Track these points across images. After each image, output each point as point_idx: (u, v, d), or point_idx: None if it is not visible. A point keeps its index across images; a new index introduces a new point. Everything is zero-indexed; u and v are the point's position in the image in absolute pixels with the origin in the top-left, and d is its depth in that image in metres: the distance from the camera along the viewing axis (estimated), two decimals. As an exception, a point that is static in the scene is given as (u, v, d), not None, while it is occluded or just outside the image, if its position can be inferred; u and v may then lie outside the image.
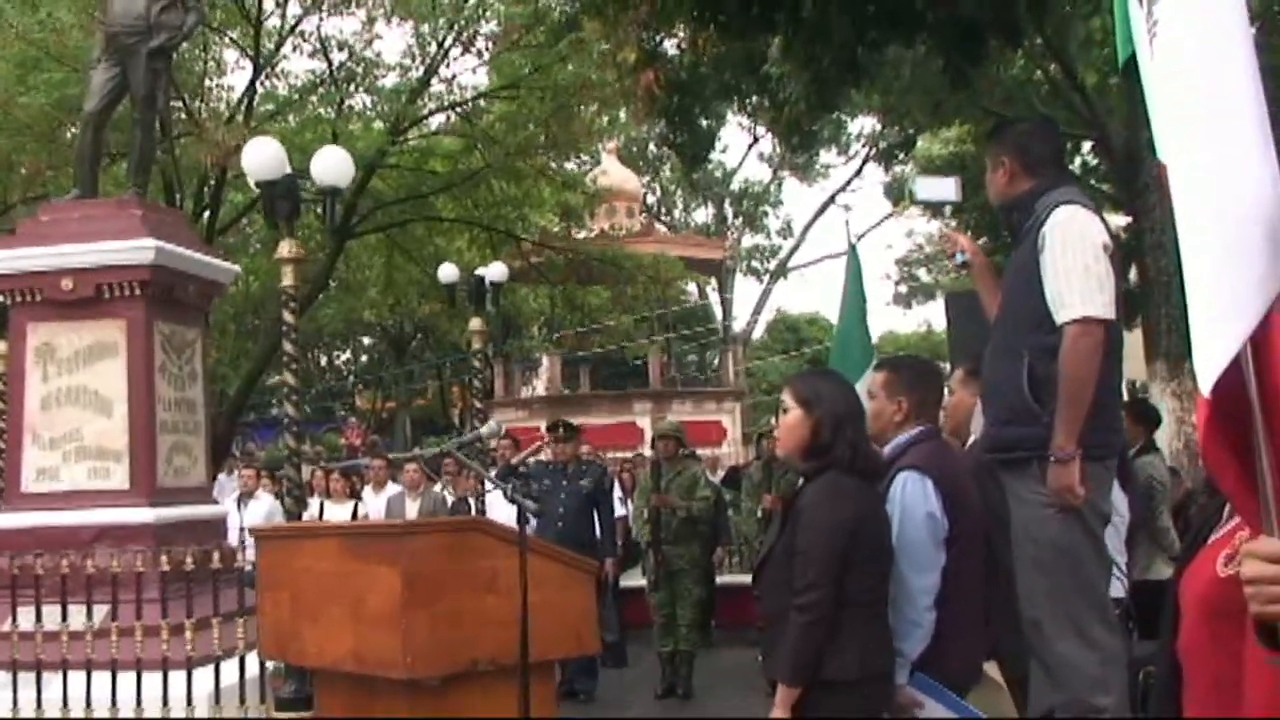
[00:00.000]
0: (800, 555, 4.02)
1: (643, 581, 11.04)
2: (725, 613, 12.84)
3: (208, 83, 18.99)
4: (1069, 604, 4.18)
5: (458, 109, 19.35)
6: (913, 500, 4.25)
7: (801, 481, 4.32)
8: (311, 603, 4.49)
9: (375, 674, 4.16)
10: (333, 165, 7.81)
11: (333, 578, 4.37)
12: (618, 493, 12.66)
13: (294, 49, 18.83)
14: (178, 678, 7.33)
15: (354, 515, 11.80)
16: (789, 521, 4.18)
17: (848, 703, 3.99)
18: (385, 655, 4.09)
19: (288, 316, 7.80)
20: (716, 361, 37.69)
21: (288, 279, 7.74)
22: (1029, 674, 4.41)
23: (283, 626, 4.71)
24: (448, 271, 12.54)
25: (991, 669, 4.89)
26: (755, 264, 47.70)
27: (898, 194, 36.74)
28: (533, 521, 9.14)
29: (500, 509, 9.63)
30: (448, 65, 18.93)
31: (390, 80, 18.85)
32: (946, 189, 5.12)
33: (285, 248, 7.69)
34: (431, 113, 19.31)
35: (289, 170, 7.60)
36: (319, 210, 8.69)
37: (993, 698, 4.79)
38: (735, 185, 47.10)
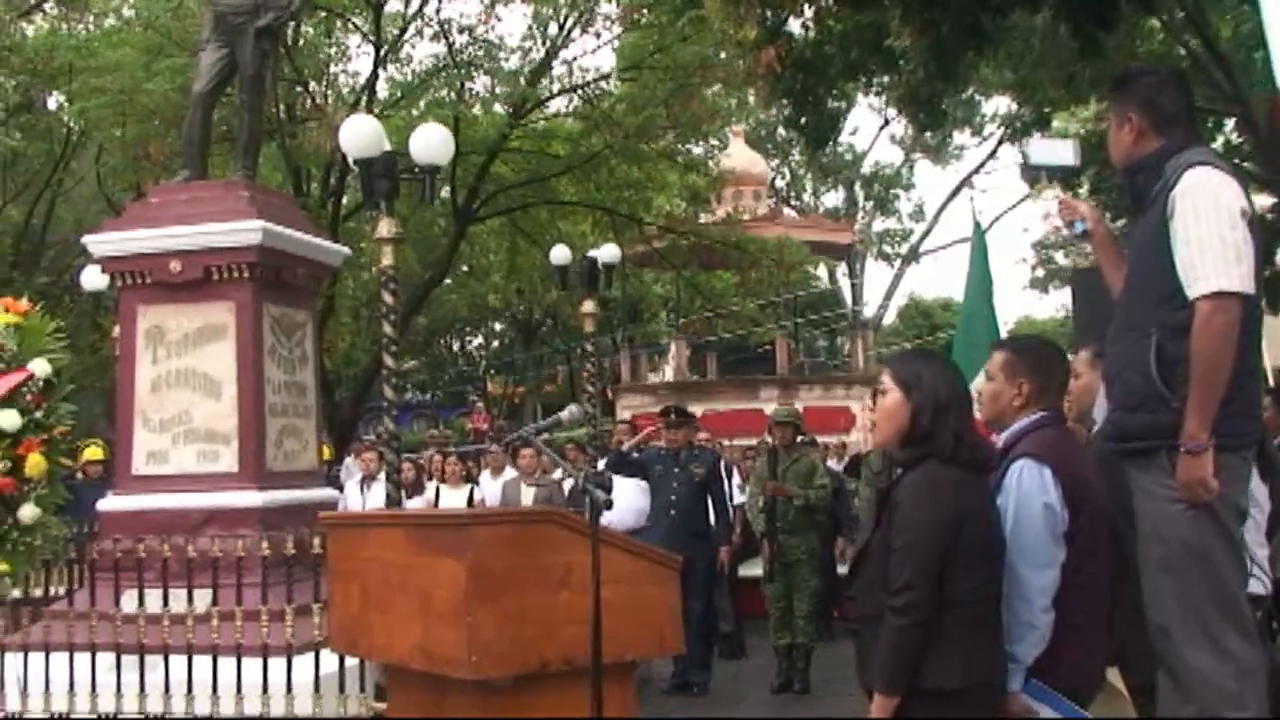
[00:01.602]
0: (896, 553, 3.70)
1: (760, 571, 10.74)
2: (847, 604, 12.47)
3: (331, 69, 19.11)
4: (1200, 610, 3.79)
5: (579, 91, 19.18)
6: (1029, 491, 3.89)
7: (899, 471, 3.98)
8: (380, 595, 4.28)
9: (443, 672, 3.94)
10: (432, 143, 7.64)
11: (400, 569, 4.15)
12: (737, 479, 12.37)
13: (416, 33, 18.87)
14: (278, 664, 7.25)
15: (470, 500, 11.70)
16: (885, 515, 3.85)
17: (952, 712, 3.66)
18: (452, 653, 3.86)
19: (387, 297, 7.65)
20: (846, 347, 37.08)
21: (386, 259, 7.58)
22: (1157, 682, 4.01)
23: (352, 619, 4.51)
24: (560, 253, 12.34)
25: (1115, 675, 4.50)
26: (886, 248, 46.99)
27: (1034, 175, 35.75)
28: (639, 514, 8.94)
29: (622, 498, 9.41)
30: (568, 46, 18.80)
31: (511, 63, 18.77)
32: (1064, 152, 4.69)
33: (384, 227, 7.54)
34: (553, 95, 19.19)
35: (387, 148, 7.43)
36: (424, 196, 8.56)
37: (1115, 706, 4.41)
38: (866, 168, 46.37)
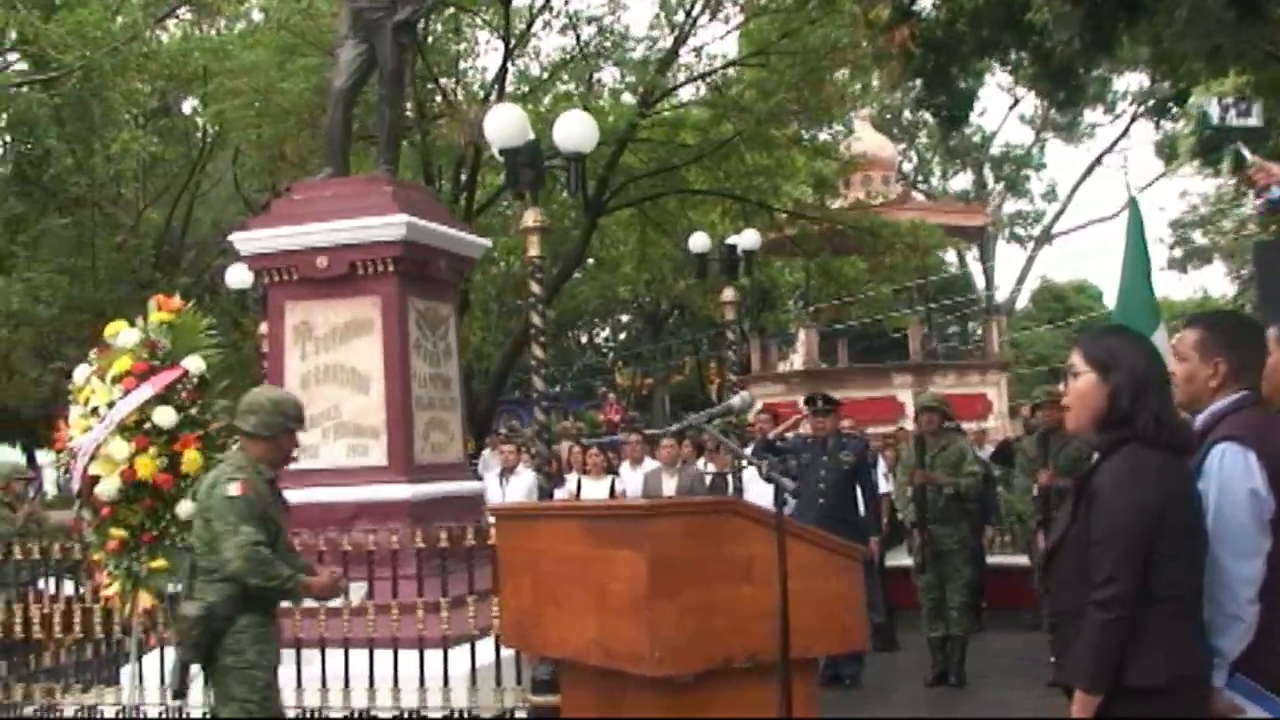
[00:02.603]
0: (1097, 544, 3.48)
1: (908, 561, 10.51)
2: (995, 595, 12.23)
3: (461, 64, 19.22)
4: None
5: (707, 79, 19.04)
6: (1232, 476, 3.64)
7: (1096, 457, 3.76)
8: (553, 588, 4.19)
9: (622, 669, 3.83)
10: (576, 131, 7.55)
11: (574, 562, 4.05)
12: (881, 468, 12.16)
13: (544, 26, 18.90)
14: (434, 657, 7.25)
15: (611, 491, 11.64)
16: (1081, 504, 3.64)
17: (1155, 711, 3.45)
18: (632, 648, 3.75)
19: (534, 287, 7.59)
20: (979, 332, 36.42)
21: (533, 249, 7.52)
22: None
23: (524, 613, 4.43)
24: (699, 241, 12.18)
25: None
26: (1018, 230, 46.05)
27: (1170, 152, 34.71)
28: (790, 501, 8.76)
29: (758, 487, 9.28)
30: (695, 34, 18.65)
31: (638, 52, 18.69)
32: (1247, 112, 4.42)
33: (530, 216, 7.47)
34: (681, 84, 19.07)
35: (531, 136, 7.37)
36: (569, 185, 8.48)
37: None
38: (995, 149, 45.46)
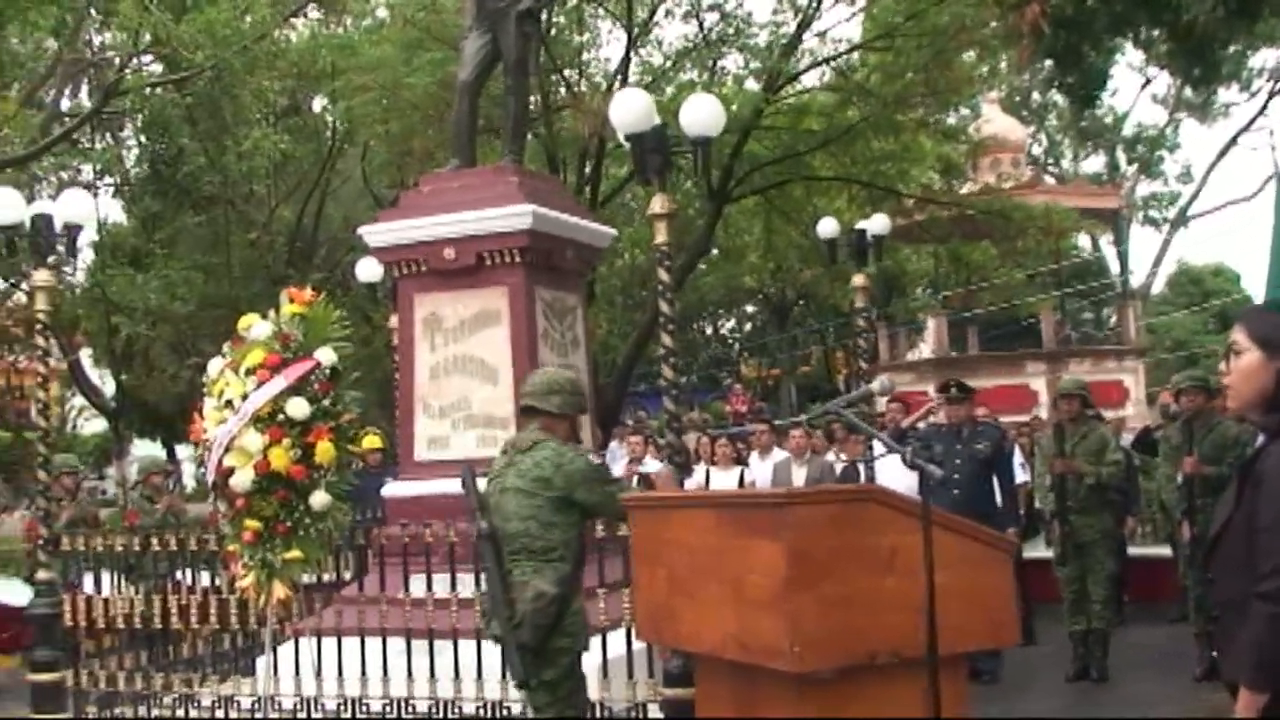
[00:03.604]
0: (1264, 532, 3.29)
1: (1046, 553, 10.23)
2: (1138, 587, 11.89)
3: (584, 55, 19.19)
4: None
5: (831, 63, 18.75)
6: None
7: (1261, 440, 3.54)
8: (688, 580, 4.07)
9: (760, 664, 3.69)
10: (703, 115, 7.42)
11: (709, 553, 3.92)
12: (1018, 458, 11.86)
13: (666, 14, 18.77)
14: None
15: (740, 482, 11.51)
16: (1246, 489, 3.43)
17: (1327, 709, 3.23)
18: (770, 643, 3.61)
19: (663, 274, 7.49)
20: (1114, 318, 35.46)
21: (660, 235, 7.42)
22: None
23: (658, 605, 4.32)
24: (827, 227, 11.96)
25: None
26: (1152, 213, 44.74)
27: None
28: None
29: (892, 476, 9.07)
30: (819, 18, 18.36)
31: (762, 38, 18.47)
32: None
33: (657, 203, 7.37)
34: (805, 69, 18.80)
35: (657, 121, 7.27)
36: (694, 171, 8.36)
37: None
38: (1127, 130, 44.23)
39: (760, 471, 11.96)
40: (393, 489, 9.13)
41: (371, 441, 12.32)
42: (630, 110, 7.35)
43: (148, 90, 20.41)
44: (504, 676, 7.27)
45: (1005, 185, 24.09)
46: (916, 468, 3.59)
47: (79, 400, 35.39)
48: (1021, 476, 11.45)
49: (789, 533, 3.57)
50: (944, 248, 24.17)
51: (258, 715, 7.68)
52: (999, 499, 9.50)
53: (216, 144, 21.60)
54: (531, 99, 12.97)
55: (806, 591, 3.56)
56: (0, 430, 32.32)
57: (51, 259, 9.11)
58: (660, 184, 7.38)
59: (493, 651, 7.31)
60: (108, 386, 30.27)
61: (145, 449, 31.25)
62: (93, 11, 17.33)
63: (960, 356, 27.99)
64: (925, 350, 30.44)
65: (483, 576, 7.21)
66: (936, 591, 3.42)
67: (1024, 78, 31.27)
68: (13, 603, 9.65)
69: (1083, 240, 37.77)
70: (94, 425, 39.43)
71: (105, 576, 8.97)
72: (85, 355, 29.87)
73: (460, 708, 7.49)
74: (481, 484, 5.69)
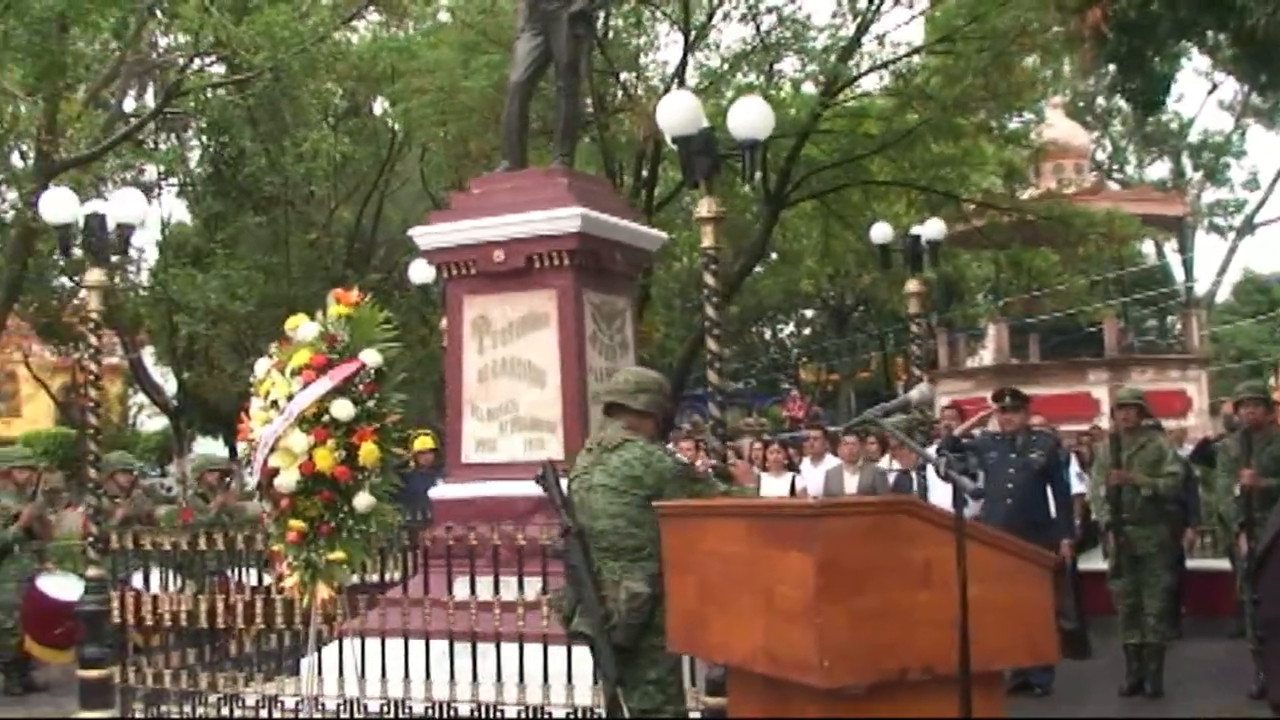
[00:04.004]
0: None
1: (1102, 564, 10.06)
2: (1195, 601, 11.66)
3: (641, 58, 19.19)
4: None
5: (890, 66, 18.61)
6: None
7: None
8: (719, 590, 4.00)
9: (789, 677, 3.62)
10: (751, 118, 7.35)
11: (740, 562, 3.85)
12: (1074, 467, 11.67)
13: (724, 17, 18.72)
14: (610, 654, 7.13)
15: (791, 489, 11.44)
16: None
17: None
18: (799, 656, 3.53)
19: (709, 279, 7.42)
20: (1178, 326, 34.97)
21: (708, 239, 7.35)
22: None
23: (690, 615, 4.25)
24: (881, 231, 11.81)
25: None
26: (1218, 220, 44.11)
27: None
28: (971, 503, 8.43)
29: (944, 487, 8.95)
30: (879, 21, 18.24)
31: (820, 41, 18.38)
32: None
33: (704, 206, 7.31)
34: (864, 72, 18.68)
35: (704, 124, 7.20)
36: (745, 175, 8.29)
37: None
38: (1193, 136, 43.62)
39: (813, 478, 11.87)
40: (440, 490, 9.13)
41: (424, 442, 12.40)
42: (677, 113, 7.29)
43: (209, 91, 20.62)
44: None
45: (1067, 191, 23.82)
46: (950, 480, 3.51)
47: (141, 398, 35.87)
48: (1078, 487, 11.28)
49: (820, 544, 3.49)
50: (1004, 253, 23.89)
51: (301, 715, 7.69)
52: (1053, 509, 9.35)
53: (277, 145, 21.79)
54: (584, 101, 12.95)
55: (837, 604, 3.48)
56: (66, 427, 32.83)
57: (115, 258, 9.17)
58: (707, 188, 7.31)
59: (534, 655, 7.32)
60: (169, 385, 30.66)
61: (207, 447, 31.63)
62: (158, 13, 17.50)
63: (1021, 364, 27.71)
64: (986, 357, 30.20)
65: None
66: (971, 606, 3.34)
67: (1088, 83, 30.87)
68: (67, 598, 9.73)
69: (1147, 247, 37.31)
70: (156, 423, 39.93)
71: (158, 574, 9.02)
72: (148, 353, 30.26)
73: (502, 711, 7.45)
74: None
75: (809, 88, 18.69)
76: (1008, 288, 29.66)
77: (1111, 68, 14.32)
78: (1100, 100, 40.34)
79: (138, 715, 8.57)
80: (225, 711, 8.29)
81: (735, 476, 5.98)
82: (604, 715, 7.12)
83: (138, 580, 9.24)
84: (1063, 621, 10.28)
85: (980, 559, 3.54)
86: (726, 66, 19.03)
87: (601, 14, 13.81)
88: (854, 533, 3.55)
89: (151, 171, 24.89)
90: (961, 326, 32.11)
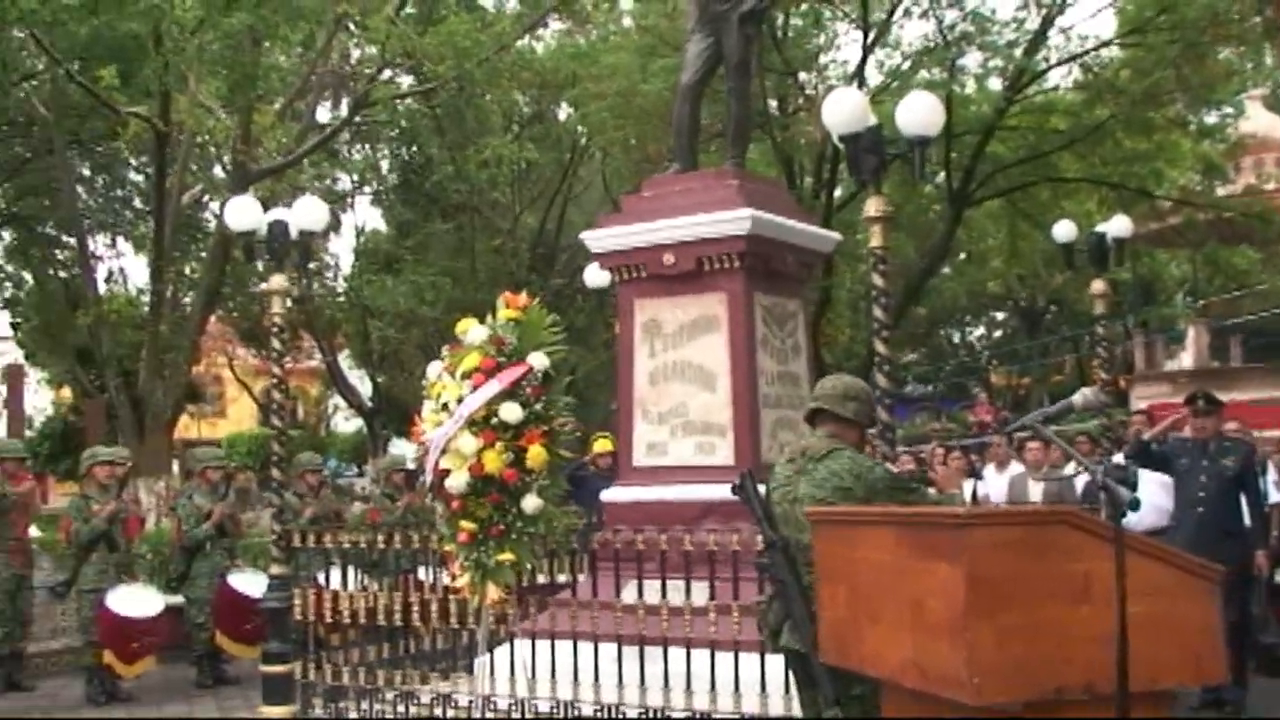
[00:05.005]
0: None
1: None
2: None
3: (821, 58, 19.02)
4: None
5: (1078, 60, 18.05)
6: None
7: None
8: (871, 601, 3.88)
9: (938, 693, 3.49)
10: (920, 114, 7.18)
11: (890, 572, 3.73)
12: (1273, 476, 11.12)
13: (904, 14, 18.43)
14: (775, 661, 7.03)
15: (973, 496, 11.14)
16: None
17: None
18: (948, 671, 3.39)
19: (877, 280, 7.27)
20: (1396, 328, 33.12)
21: (876, 239, 7.21)
22: None
23: (842, 626, 4.14)
24: (1064, 229, 11.39)
25: None
26: None
27: None
28: (1158, 512, 8.06)
29: (1145, 492, 8.60)
30: (1065, 13, 17.73)
31: (1004, 36, 17.92)
32: None
33: (872, 205, 7.17)
34: (1050, 66, 18.16)
35: (873, 121, 7.06)
36: (915, 173, 8.10)
37: None
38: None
39: (995, 485, 11.57)
40: (612, 493, 9.15)
41: (603, 445, 12.47)
42: (843, 110, 7.16)
43: (398, 102, 21.13)
44: (711, 686, 7.22)
45: (1267, 187, 22.75)
46: (1105, 489, 3.35)
47: (338, 399, 37.01)
48: (1275, 496, 10.75)
49: (969, 555, 3.35)
50: (1201, 252, 22.96)
51: (474, 715, 7.78)
52: (1247, 518, 8.92)
53: (462, 153, 22.23)
54: (768, 103, 12.87)
55: (987, 620, 3.33)
56: (268, 429, 34.07)
57: (311, 265, 9.42)
58: (875, 186, 7.17)
59: (702, 660, 7.27)
60: (365, 387, 31.57)
61: (402, 448, 32.44)
62: (350, 26, 18.00)
63: (1222, 367, 26.61)
64: (1185, 360, 29.04)
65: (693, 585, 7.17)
66: (1132, 622, 3.17)
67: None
68: (256, 594, 10.05)
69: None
70: (352, 424, 41.15)
71: (348, 572, 9.24)
72: (344, 357, 31.21)
73: (670, 716, 7.41)
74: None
75: (994, 83, 18.25)
76: (1206, 288, 28.48)
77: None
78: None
79: (317, 711, 8.78)
80: (401, 709, 8.44)
81: (938, 484, 5.80)
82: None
83: (327, 578, 9.49)
84: (1261, 636, 9.86)
85: (1143, 572, 3.37)
86: (908, 64, 18.70)
87: (776, 14, 13.66)
88: (1006, 545, 3.40)
89: (346, 181, 25.67)
90: (1159, 328, 30.98)
